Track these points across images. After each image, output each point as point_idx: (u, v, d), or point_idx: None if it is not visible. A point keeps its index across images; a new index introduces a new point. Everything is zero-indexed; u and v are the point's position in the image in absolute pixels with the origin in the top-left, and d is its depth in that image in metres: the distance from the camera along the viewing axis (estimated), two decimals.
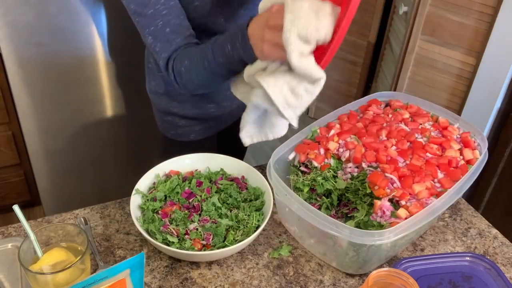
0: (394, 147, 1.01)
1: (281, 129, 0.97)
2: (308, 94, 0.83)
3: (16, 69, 1.67)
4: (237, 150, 1.60)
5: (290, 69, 0.82)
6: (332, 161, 1.01)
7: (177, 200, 1.01)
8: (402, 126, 1.07)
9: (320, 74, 0.80)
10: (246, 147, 1.62)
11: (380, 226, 0.89)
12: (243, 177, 1.07)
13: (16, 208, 0.78)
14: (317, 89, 0.83)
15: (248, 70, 0.90)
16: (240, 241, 0.91)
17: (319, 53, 0.80)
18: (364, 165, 0.98)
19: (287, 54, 0.78)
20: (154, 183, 1.05)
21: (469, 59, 1.89)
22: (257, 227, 0.96)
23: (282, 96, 0.83)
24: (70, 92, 1.81)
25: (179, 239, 0.92)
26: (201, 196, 1.01)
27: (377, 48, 2.63)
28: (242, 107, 1.36)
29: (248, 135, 0.99)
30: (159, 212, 0.97)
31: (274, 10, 0.82)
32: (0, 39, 1.60)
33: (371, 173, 0.94)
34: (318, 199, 1.01)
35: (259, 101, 0.88)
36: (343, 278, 0.95)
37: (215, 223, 0.95)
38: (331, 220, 0.85)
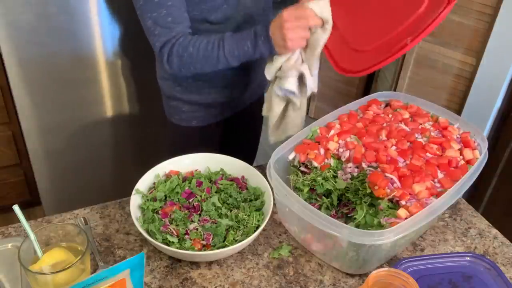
0: (394, 147, 1.01)
1: (298, 123, 1.20)
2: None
3: (16, 69, 1.67)
4: (248, 144, 1.64)
5: (302, 60, 1.10)
6: (332, 161, 1.01)
7: (177, 200, 1.01)
8: (402, 126, 1.07)
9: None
10: (257, 146, 1.66)
11: (380, 226, 0.89)
12: (243, 177, 1.07)
13: (16, 208, 0.78)
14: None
15: (272, 66, 1.11)
16: (240, 241, 0.92)
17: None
18: (364, 165, 0.98)
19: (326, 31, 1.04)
20: (154, 183, 1.05)
21: (469, 59, 1.89)
22: (257, 227, 0.96)
23: (312, 79, 1.11)
24: (70, 92, 1.81)
25: (179, 239, 0.92)
26: (201, 196, 1.01)
27: None
28: (243, 98, 1.42)
29: (273, 135, 1.24)
30: (159, 212, 0.97)
31: (285, 15, 1.00)
32: (0, 39, 1.60)
33: (371, 173, 0.94)
34: (318, 199, 1.01)
35: (293, 87, 1.10)
36: (343, 278, 0.95)
37: (215, 223, 0.95)
38: (331, 220, 0.85)
